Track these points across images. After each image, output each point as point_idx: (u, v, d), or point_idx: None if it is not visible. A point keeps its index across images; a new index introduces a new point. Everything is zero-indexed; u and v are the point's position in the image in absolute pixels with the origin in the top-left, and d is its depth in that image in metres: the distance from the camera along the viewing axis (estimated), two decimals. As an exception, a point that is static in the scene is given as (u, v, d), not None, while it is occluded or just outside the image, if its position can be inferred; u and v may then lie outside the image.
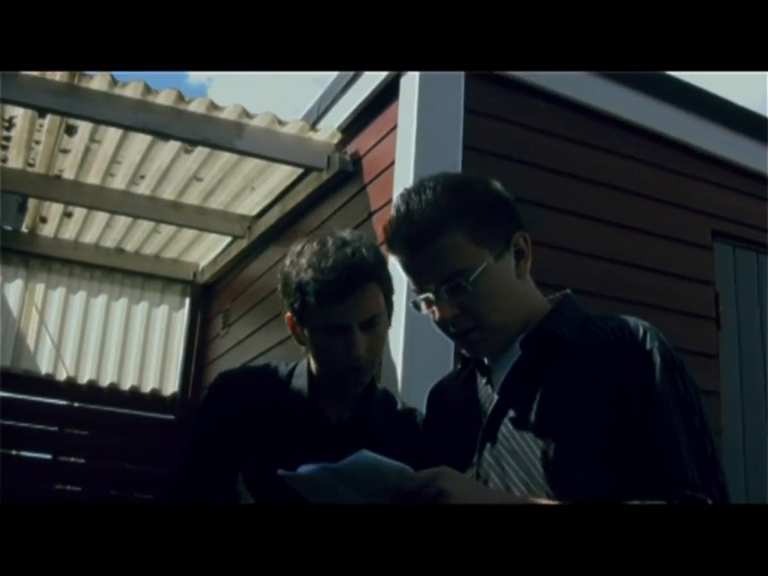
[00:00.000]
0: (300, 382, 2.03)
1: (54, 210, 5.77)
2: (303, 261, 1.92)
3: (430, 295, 1.73)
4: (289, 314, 2.01)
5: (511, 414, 1.70)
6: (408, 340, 3.27)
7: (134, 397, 6.29)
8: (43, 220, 5.96)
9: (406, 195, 1.75)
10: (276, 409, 1.99)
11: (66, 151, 4.84)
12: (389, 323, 2.01)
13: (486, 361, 1.84)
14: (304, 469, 1.53)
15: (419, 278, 1.75)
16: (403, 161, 3.58)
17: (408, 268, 1.76)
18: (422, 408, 2.06)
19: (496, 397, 1.75)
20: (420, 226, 1.70)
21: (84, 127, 4.50)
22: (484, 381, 1.81)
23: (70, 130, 4.57)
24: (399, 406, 2.13)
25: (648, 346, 1.63)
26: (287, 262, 1.99)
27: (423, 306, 1.77)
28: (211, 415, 2.02)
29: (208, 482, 1.91)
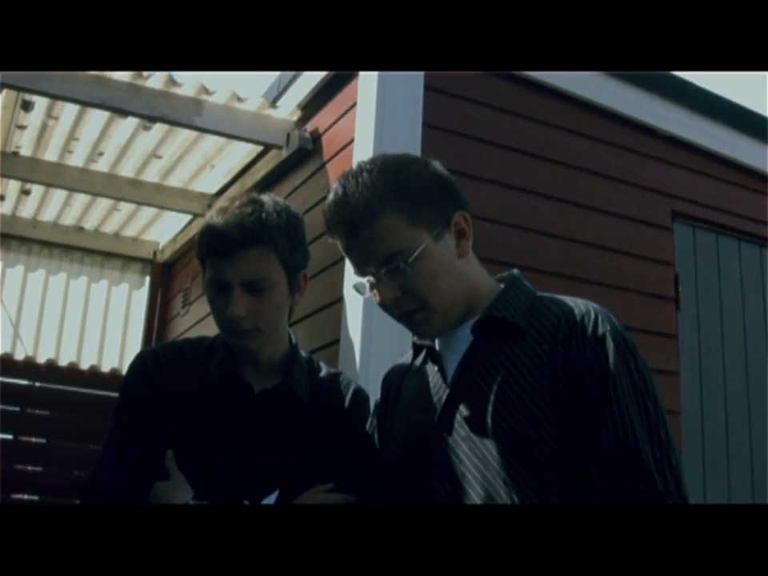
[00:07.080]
0: (220, 352, 2.00)
1: (12, 187, 5.70)
2: (210, 214, 1.92)
3: (371, 278, 1.74)
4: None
5: (465, 401, 1.69)
6: (366, 318, 3.25)
7: (93, 376, 6.23)
8: (1, 197, 5.89)
9: (343, 178, 1.74)
10: (199, 381, 1.95)
11: (22, 127, 4.77)
12: (288, 296, 1.95)
13: (437, 347, 1.83)
14: None
15: (358, 261, 1.75)
16: (363, 138, 3.56)
17: (347, 251, 1.76)
18: (377, 392, 2.04)
19: (449, 383, 1.74)
20: (356, 210, 1.69)
21: (41, 103, 4.43)
22: (436, 368, 1.80)
23: (27, 106, 4.50)
24: (323, 372, 2.10)
25: (600, 331, 1.63)
26: None
27: (366, 289, 1.76)
28: (132, 396, 1.95)
29: (135, 463, 1.86)
